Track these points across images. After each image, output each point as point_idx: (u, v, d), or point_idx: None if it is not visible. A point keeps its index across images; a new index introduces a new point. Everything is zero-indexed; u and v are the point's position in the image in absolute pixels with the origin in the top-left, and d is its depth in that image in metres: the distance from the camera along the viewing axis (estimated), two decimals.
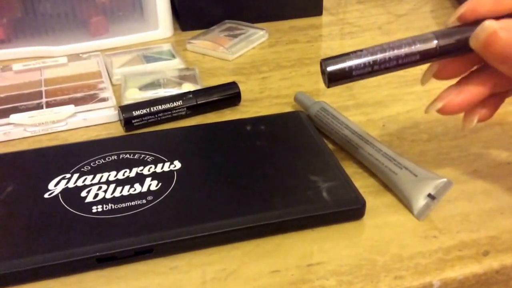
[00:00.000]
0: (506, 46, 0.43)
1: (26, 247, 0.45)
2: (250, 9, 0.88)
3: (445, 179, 0.49)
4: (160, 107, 0.63)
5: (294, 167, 0.53)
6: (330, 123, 0.58)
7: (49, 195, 0.50)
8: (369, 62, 0.45)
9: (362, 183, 0.53)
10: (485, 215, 0.49)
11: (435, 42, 0.45)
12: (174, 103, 0.64)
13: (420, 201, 0.49)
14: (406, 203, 0.50)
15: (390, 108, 0.65)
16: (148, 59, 0.77)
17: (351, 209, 0.49)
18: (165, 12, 0.84)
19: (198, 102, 0.65)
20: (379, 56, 0.45)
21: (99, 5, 0.82)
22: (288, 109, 0.66)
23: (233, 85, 0.67)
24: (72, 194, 0.50)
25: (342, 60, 0.44)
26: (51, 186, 0.51)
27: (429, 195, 0.49)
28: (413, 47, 0.45)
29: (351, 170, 0.54)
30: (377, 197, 0.51)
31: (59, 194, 0.50)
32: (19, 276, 0.43)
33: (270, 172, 0.53)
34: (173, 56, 0.77)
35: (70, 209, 0.49)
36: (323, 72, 0.45)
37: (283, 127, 0.60)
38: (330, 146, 0.57)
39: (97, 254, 0.44)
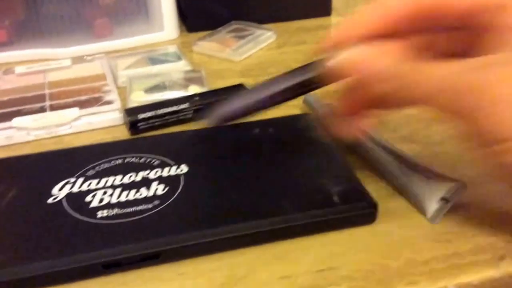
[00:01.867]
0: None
1: (29, 254, 0.44)
2: (257, 9, 0.87)
3: (458, 182, 0.48)
4: (166, 109, 0.63)
5: (303, 170, 0.52)
6: None
7: (53, 200, 0.49)
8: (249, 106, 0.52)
9: (374, 186, 0.51)
10: (501, 218, 0.48)
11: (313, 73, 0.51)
12: (181, 105, 0.63)
13: (433, 205, 0.48)
14: (418, 206, 0.49)
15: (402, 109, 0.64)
16: (154, 61, 0.76)
17: (362, 213, 0.48)
18: (171, 13, 0.83)
19: (205, 105, 0.63)
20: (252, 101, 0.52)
21: (103, 7, 0.81)
22: (296, 111, 0.64)
23: (240, 87, 0.66)
24: (76, 199, 0.49)
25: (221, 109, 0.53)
26: (55, 191, 0.50)
27: (443, 198, 0.48)
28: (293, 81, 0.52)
29: (362, 173, 0.53)
30: (389, 201, 0.50)
31: (63, 199, 0.49)
32: (23, 283, 0.43)
33: (279, 176, 0.52)
34: (179, 58, 0.77)
35: (75, 214, 0.48)
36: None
37: (292, 129, 0.59)
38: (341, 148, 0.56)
39: (103, 260, 0.43)
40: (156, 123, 0.62)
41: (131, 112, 0.62)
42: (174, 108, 0.63)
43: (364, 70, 0.46)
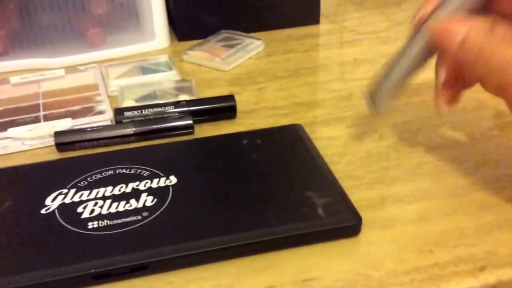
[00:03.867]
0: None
1: (21, 264, 0.45)
2: (246, 18, 0.88)
3: None
4: (151, 110, 0.65)
5: (290, 182, 0.53)
6: None
7: (45, 210, 0.50)
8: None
9: (358, 196, 0.52)
10: (482, 229, 0.49)
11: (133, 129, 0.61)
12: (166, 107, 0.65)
13: None
14: None
15: (387, 119, 0.65)
16: (145, 70, 0.77)
17: (347, 226, 0.48)
18: (161, 23, 0.84)
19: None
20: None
21: (96, 17, 0.82)
22: (284, 120, 0.65)
23: (229, 98, 0.67)
24: (68, 210, 0.50)
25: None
26: (48, 201, 0.51)
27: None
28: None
29: (347, 183, 0.54)
30: (373, 211, 0.51)
31: (56, 210, 0.50)
32: None
33: (266, 187, 0.53)
34: (170, 68, 0.77)
35: (66, 225, 0.49)
36: None
37: (280, 141, 0.60)
38: (327, 159, 0.57)
39: (93, 271, 0.44)
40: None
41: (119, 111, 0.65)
42: (160, 109, 0.65)
43: (448, 37, 0.48)
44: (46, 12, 0.79)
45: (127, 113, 0.64)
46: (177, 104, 0.65)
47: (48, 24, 0.80)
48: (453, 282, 0.44)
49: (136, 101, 0.69)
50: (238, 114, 0.67)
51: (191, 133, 0.64)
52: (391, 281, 0.44)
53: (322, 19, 0.93)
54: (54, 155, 0.61)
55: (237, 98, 0.67)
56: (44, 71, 0.77)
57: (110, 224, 0.48)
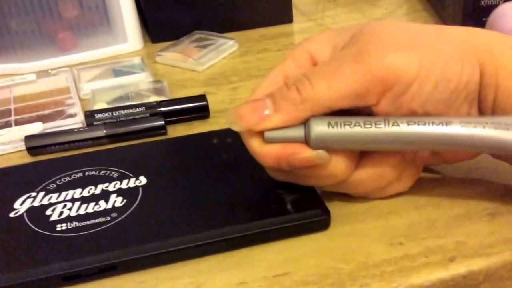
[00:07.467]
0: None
1: None
2: (220, 18, 0.88)
3: None
4: (121, 111, 0.65)
5: (260, 179, 0.53)
6: None
7: (14, 214, 0.50)
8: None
9: (328, 193, 0.52)
10: (452, 221, 0.49)
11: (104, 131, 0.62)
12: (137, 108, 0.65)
13: None
14: None
15: None
16: (117, 73, 0.76)
17: (316, 221, 0.48)
18: (133, 25, 0.83)
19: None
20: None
21: (66, 21, 0.81)
22: None
23: (201, 98, 0.67)
24: (37, 213, 0.50)
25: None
26: (16, 205, 0.51)
27: None
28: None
29: None
30: (343, 206, 0.51)
31: (25, 213, 0.50)
32: None
33: (236, 185, 0.53)
34: (143, 70, 0.77)
35: (35, 228, 0.48)
36: None
37: None
38: None
39: (62, 272, 0.44)
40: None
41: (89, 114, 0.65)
42: (131, 110, 0.65)
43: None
44: (15, 17, 0.79)
45: (98, 115, 0.64)
46: (148, 105, 0.65)
47: (18, 29, 0.80)
48: (424, 273, 0.44)
49: (108, 103, 0.69)
50: (212, 114, 0.67)
51: (164, 134, 0.64)
52: (362, 274, 0.44)
53: (298, 17, 0.92)
54: (27, 159, 0.61)
55: (211, 98, 0.67)
56: (15, 76, 0.77)
57: (79, 226, 0.48)
